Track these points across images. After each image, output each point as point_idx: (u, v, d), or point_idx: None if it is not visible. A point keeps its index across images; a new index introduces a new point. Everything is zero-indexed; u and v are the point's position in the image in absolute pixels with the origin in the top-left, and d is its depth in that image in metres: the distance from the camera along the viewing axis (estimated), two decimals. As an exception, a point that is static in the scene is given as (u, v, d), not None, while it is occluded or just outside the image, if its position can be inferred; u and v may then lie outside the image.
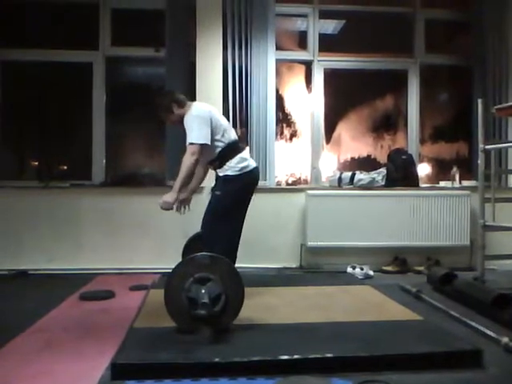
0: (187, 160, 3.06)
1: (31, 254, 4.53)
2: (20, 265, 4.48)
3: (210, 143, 3.12)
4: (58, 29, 4.94)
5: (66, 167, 5.23)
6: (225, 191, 3.16)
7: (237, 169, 3.18)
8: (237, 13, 4.71)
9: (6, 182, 4.74)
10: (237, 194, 3.20)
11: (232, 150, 3.23)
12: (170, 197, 3.10)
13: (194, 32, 4.71)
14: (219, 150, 3.21)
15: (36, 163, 5.31)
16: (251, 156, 4.60)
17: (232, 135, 3.30)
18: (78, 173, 4.99)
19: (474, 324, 2.78)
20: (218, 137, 3.19)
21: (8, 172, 4.93)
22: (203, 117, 3.13)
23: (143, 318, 2.86)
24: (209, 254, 2.74)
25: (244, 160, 3.24)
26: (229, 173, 3.18)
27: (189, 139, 3.08)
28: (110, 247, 4.58)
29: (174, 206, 3.18)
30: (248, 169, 3.23)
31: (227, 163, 3.19)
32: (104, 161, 4.92)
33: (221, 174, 3.21)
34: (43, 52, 4.87)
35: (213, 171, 3.40)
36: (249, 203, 3.30)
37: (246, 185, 3.25)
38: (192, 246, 3.48)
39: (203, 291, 2.44)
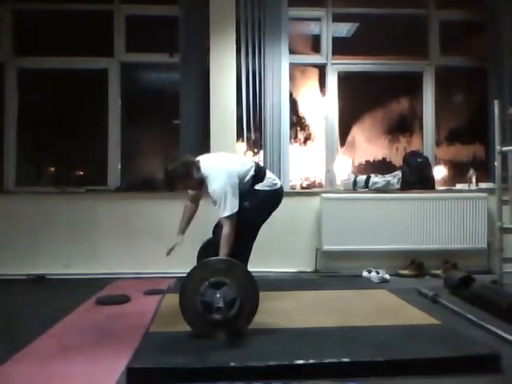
0: (229, 235, 2.98)
1: (48, 258, 4.58)
2: (37, 269, 4.52)
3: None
4: (74, 36, 4.99)
5: (82, 173, 5.28)
6: (253, 204, 3.17)
7: (266, 186, 3.26)
8: (250, 17, 4.73)
9: (24, 188, 4.82)
10: (263, 209, 3.26)
11: (260, 178, 3.26)
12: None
13: (207, 37, 4.73)
14: (249, 185, 3.23)
15: (53, 169, 5.37)
16: (265, 160, 4.64)
17: (250, 170, 3.25)
18: (93, 178, 5.04)
19: (492, 328, 2.74)
20: (245, 183, 3.20)
21: (25, 178, 4.99)
22: (232, 184, 3.05)
23: (159, 322, 2.87)
24: (223, 258, 2.75)
25: (273, 180, 3.32)
26: (259, 188, 3.24)
27: (223, 213, 3.00)
28: (126, 252, 4.61)
29: None
30: (276, 186, 3.30)
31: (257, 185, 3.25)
32: (119, 166, 4.96)
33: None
34: (59, 59, 4.93)
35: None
36: (266, 220, 3.35)
37: (273, 200, 3.31)
38: (207, 250, 3.48)
39: (218, 295, 2.44)
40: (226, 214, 3.00)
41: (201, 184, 3.12)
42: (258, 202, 3.19)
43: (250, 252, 3.24)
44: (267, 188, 3.25)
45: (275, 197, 3.31)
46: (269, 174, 3.38)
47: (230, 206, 3.00)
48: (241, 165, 3.22)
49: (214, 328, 2.48)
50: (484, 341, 2.51)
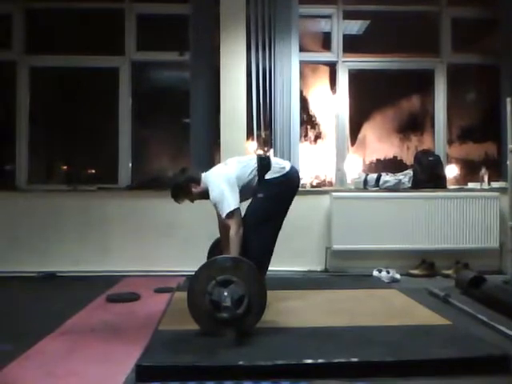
0: (236, 233, 2.93)
1: (59, 256, 4.61)
2: (48, 267, 4.55)
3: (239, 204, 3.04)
4: (85, 35, 5.02)
5: (93, 171, 5.32)
6: (267, 194, 3.11)
7: (276, 173, 3.15)
8: (260, 15, 4.72)
9: (36, 186, 4.85)
10: (279, 197, 3.16)
11: (266, 167, 3.17)
12: None
13: (217, 35, 4.74)
14: (256, 177, 3.15)
15: (64, 167, 5.41)
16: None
17: (251, 164, 3.18)
18: (104, 176, 5.07)
19: (503, 329, 2.71)
20: (250, 177, 3.13)
21: (37, 176, 5.04)
22: (229, 183, 3.03)
23: (168, 320, 2.88)
24: (230, 256, 2.74)
25: (280, 165, 3.20)
26: (269, 176, 3.13)
27: (224, 211, 2.96)
28: (136, 250, 4.63)
29: None
30: (285, 171, 3.18)
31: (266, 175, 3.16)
32: (130, 164, 4.98)
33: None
34: (70, 58, 4.96)
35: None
36: (289, 206, 3.25)
37: (287, 185, 3.20)
38: (217, 248, 3.49)
39: (226, 294, 2.44)
40: (227, 210, 2.94)
41: (206, 194, 3.12)
42: (271, 192, 3.10)
43: (274, 243, 3.15)
44: (277, 175, 3.13)
45: (288, 181, 3.19)
46: (275, 160, 3.28)
47: (229, 203, 2.95)
48: (238, 163, 3.18)
49: (223, 326, 2.48)
50: (495, 341, 2.49)
